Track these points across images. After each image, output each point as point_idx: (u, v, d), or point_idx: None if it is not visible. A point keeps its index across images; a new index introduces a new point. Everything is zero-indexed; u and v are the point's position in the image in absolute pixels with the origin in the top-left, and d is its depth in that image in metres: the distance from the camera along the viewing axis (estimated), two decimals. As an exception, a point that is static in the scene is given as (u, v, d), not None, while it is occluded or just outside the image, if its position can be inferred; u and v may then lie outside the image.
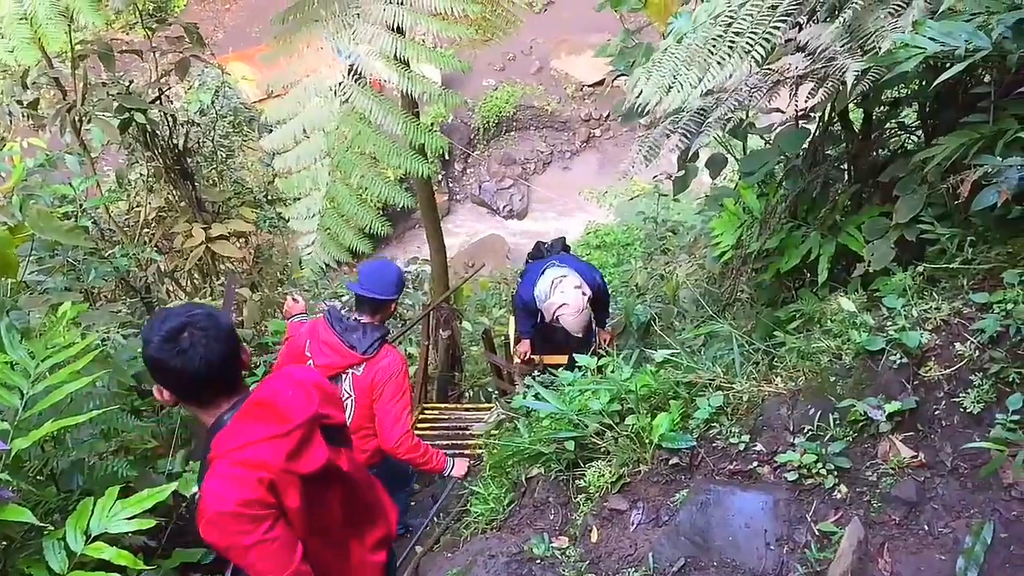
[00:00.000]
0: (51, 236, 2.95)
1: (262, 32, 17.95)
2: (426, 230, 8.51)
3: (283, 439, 2.27)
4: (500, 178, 19.21)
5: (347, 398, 4.14)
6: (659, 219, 8.98)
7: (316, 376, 2.59)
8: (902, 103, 4.01)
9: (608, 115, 19.29)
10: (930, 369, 2.74)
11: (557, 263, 5.72)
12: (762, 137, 4.54)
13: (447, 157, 18.12)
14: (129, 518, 2.71)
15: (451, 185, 19.10)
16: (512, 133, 19.65)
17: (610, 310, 6.44)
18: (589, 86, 19.57)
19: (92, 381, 2.87)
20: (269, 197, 8.38)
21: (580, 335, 5.57)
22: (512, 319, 6.38)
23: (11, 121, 6.99)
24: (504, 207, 18.85)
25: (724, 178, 6.06)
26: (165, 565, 3.23)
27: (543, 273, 5.61)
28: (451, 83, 15.77)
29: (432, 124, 15.99)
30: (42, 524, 2.58)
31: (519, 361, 6.15)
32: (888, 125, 4.07)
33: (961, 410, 2.63)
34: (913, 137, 4.08)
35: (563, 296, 5.36)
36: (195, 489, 3.41)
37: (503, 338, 7.23)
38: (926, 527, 2.50)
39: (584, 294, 5.41)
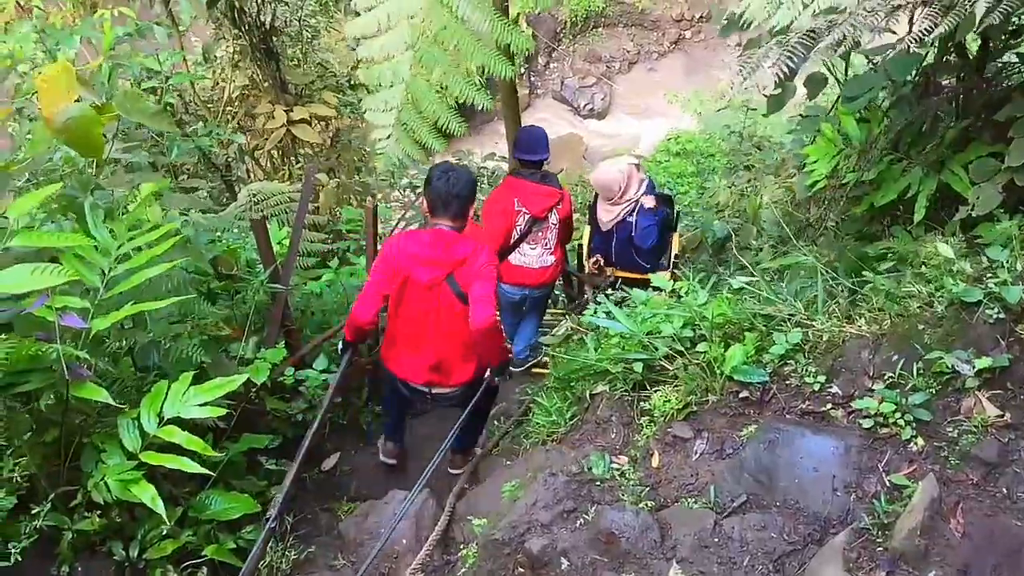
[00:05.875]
0: (136, 118, 2.94)
1: (353, -93, 17.49)
2: (505, 127, 8.34)
3: None
4: (583, 75, 18.76)
5: (553, 227, 5.60)
6: (745, 134, 8.66)
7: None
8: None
9: (701, 16, 18.57)
10: (1029, 326, 2.60)
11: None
12: (868, 59, 4.28)
13: (531, 50, 17.70)
14: (201, 404, 2.77)
15: (532, 79, 18.73)
16: (600, 29, 19.08)
17: (678, 227, 6.43)
18: (685, -16, 18.81)
19: (171, 268, 2.90)
20: (352, 82, 8.29)
21: (597, 190, 6.03)
22: (587, 229, 6.31)
23: (102, -13, 6.98)
24: (585, 105, 18.46)
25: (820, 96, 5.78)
26: (233, 449, 3.32)
27: None
28: (542, -27, 15.22)
29: (519, 15, 15.52)
30: (119, 405, 2.64)
31: (590, 271, 6.11)
32: (1006, 57, 3.79)
33: (1057, 373, 2.50)
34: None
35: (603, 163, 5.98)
36: (265, 377, 3.49)
37: (575, 247, 7.16)
38: (1004, 491, 2.41)
39: (626, 171, 5.77)
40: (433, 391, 4.02)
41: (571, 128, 17.86)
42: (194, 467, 2.65)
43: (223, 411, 2.80)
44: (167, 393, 2.78)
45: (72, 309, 2.63)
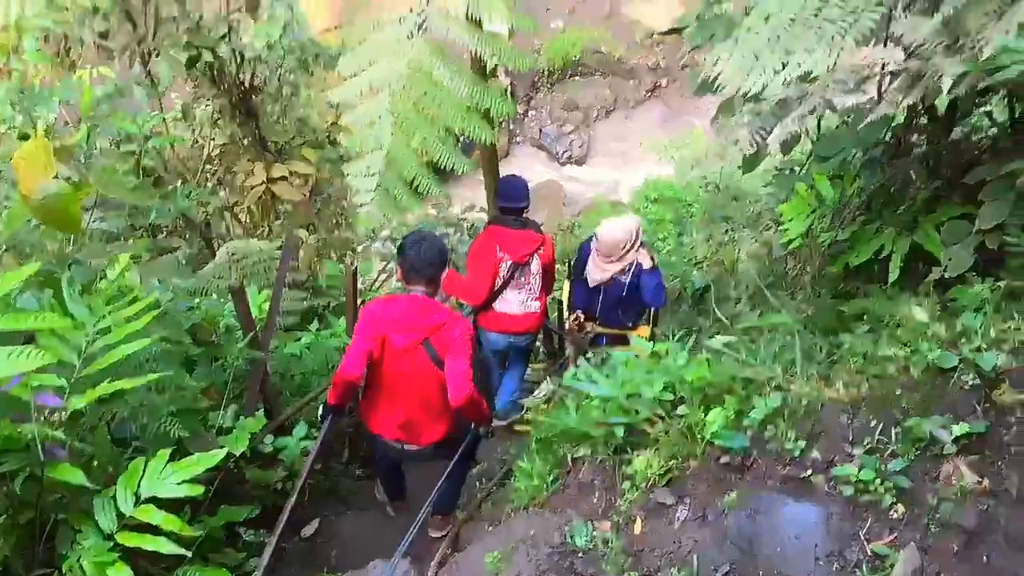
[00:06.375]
0: (116, 194, 2.94)
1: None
2: (485, 179, 8.43)
3: None
4: (561, 123, 18.96)
5: (536, 273, 5.72)
6: (722, 185, 8.75)
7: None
8: (991, 90, 3.81)
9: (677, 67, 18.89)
10: (1003, 392, 2.62)
11: None
12: (842, 117, 4.35)
13: (510, 98, 17.86)
14: (179, 482, 2.74)
15: (512, 127, 18.89)
16: (577, 78, 19.34)
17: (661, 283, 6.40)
18: (661, 34, 19.13)
19: (149, 344, 2.88)
20: (331, 137, 8.32)
21: (603, 248, 5.72)
22: (567, 284, 6.31)
23: (82, 47, 6.99)
24: (563, 152, 18.63)
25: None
26: (210, 523, 3.27)
27: None
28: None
29: (496, 66, 15.67)
30: (95, 487, 2.61)
31: (570, 327, 6.10)
32: (974, 117, 3.87)
33: (1033, 439, 2.52)
34: (998, 131, 3.87)
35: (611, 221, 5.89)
36: (244, 448, 3.46)
37: (555, 302, 7.18)
38: (985, 559, 2.42)
39: (632, 229, 5.65)
40: (405, 447, 4.12)
41: (550, 175, 17.98)
42: (172, 548, 2.61)
43: (201, 489, 2.77)
44: (144, 471, 2.75)
45: (48, 387, 2.61)
